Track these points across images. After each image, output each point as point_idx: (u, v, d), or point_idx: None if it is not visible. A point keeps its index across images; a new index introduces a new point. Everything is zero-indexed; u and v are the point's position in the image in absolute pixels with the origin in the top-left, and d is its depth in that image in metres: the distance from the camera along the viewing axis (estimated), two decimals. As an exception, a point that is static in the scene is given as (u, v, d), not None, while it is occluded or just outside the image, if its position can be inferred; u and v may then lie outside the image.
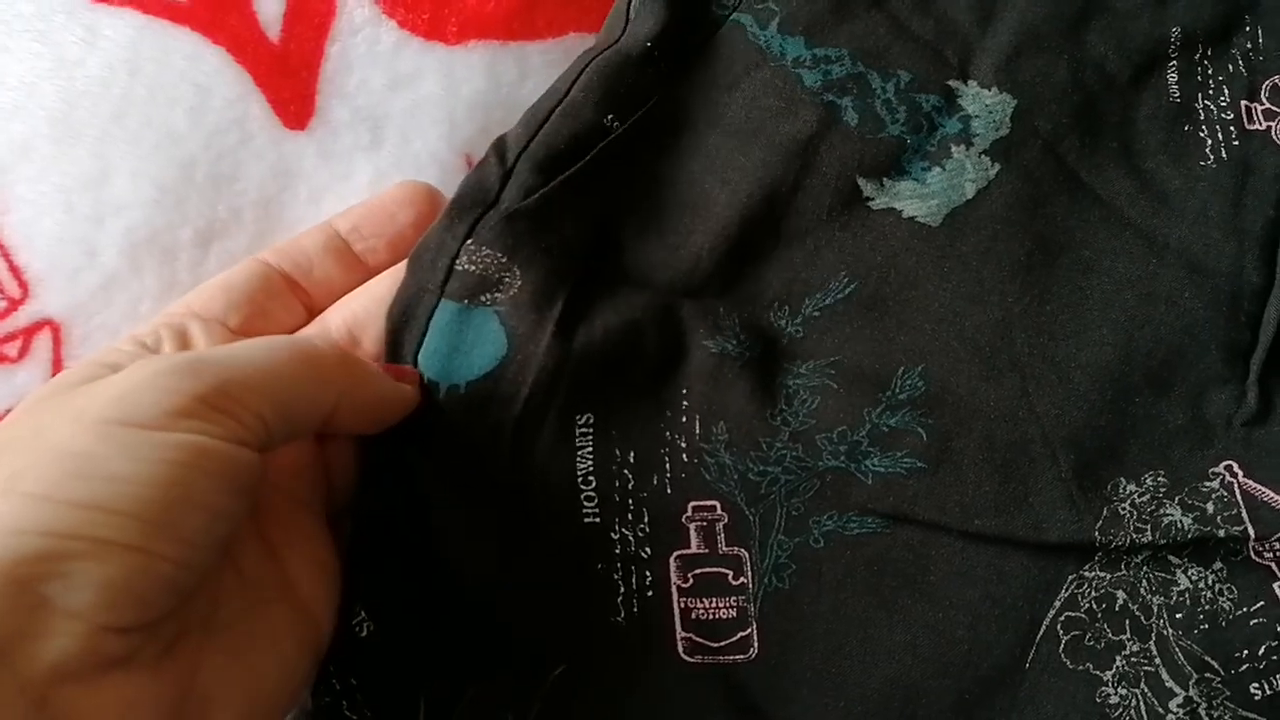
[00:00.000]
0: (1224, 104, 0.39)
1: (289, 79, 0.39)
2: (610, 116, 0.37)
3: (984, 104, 0.38)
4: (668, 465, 0.36)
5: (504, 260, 0.36)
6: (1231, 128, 0.39)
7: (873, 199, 0.37)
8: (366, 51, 0.39)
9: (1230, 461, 0.36)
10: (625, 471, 0.36)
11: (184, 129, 0.38)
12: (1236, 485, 0.35)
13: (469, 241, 0.36)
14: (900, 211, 0.37)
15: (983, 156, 0.38)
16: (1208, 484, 0.35)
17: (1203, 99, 0.39)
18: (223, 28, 0.39)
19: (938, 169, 0.38)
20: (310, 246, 0.37)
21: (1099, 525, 0.35)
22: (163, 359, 0.27)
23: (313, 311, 0.37)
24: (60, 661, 0.23)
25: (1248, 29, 0.41)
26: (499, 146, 0.37)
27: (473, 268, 0.35)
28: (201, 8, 0.39)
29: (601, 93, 0.37)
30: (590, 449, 0.36)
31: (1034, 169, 0.38)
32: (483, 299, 0.36)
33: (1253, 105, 0.39)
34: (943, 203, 0.37)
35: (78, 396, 0.26)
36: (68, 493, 0.24)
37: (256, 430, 0.27)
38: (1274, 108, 0.39)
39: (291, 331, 0.36)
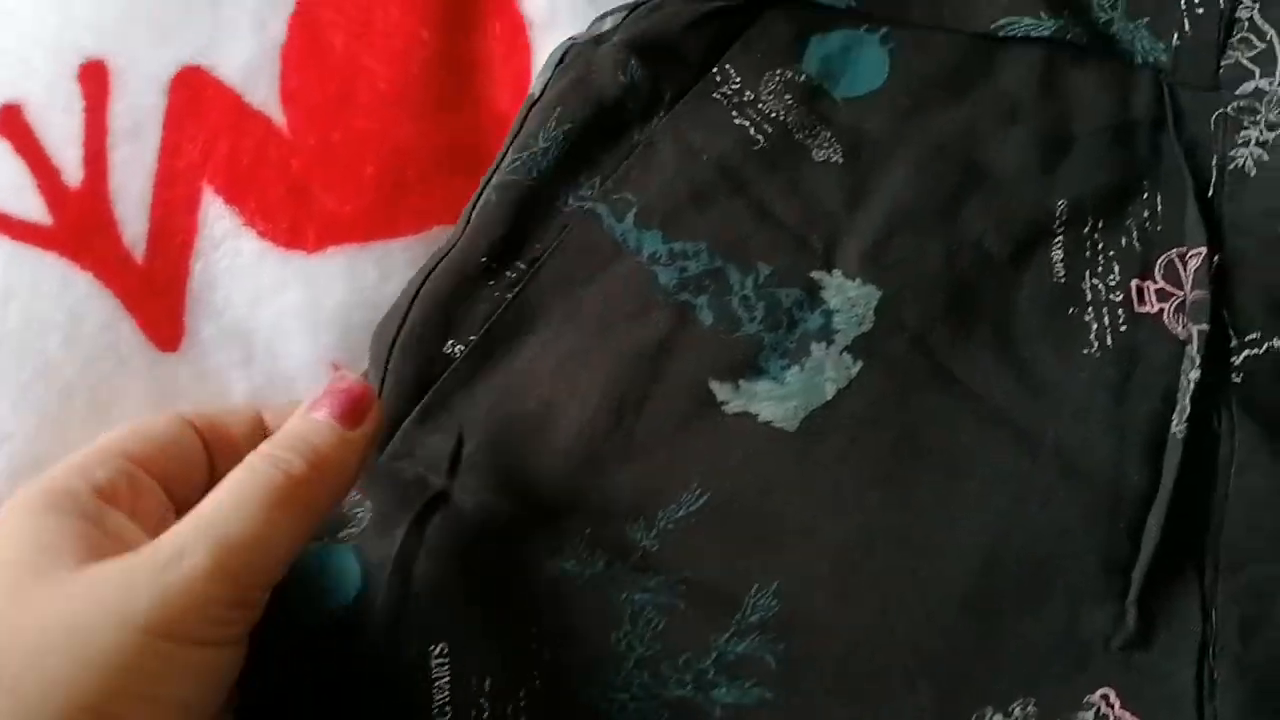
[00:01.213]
0: (1113, 283, 0.36)
1: (157, 300, 0.39)
2: (451, 343, 0.37)
3: (847, 297, 0.36)
4: (523, 694, 0.35)
5: (357, 496, 0.36)
6: (1120, 311, 0.36)
7: (727, 402, 0.36)
8: (229, 266, 0.39)
9: (1107, 689, 0.33)
10: (482, 700, 0.36)
11: (60, 357, 0.39)
12: (1112, 716, 0.33)
13: None
14: (756, 415, 0.36)
15: (844, 354, 0.36)
16: (1082, 714, 0.33)
17: (1090, 277, 0.36)
18: (89, 251, 0.39)
19: (796, 368, 0.36)
20: (233, 425, 0.36)
21: None
22: (186, 555, 0.26)
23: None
24: None
25: (1145, 196, 0.37)
26: None
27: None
28: (66, 232, 0.39)
29: (439, 318, 0.36)
30: (447, 678, 0.36)
31: (899, 364, 0.36)
32: (340, 535, 0.36)
33: (1145, 284, 0.36)
34: (800, 404, 0.35)
35: (105, 587, 0.26)
36: (99, 702, 0.25)
37: (262, 605, 0.28)
38: (1168, 287, 0.36)
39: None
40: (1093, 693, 0.33)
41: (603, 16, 0.40)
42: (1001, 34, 0.39)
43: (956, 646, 0.34)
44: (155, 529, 0.28)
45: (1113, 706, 0.33)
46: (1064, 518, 0.34)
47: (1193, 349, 0.35)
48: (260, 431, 0.36)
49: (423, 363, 0.36)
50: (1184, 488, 0.33)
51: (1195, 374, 0.34)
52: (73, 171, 0.40)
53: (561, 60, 0.39)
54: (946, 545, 0.34)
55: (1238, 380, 0.35)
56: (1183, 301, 0.36)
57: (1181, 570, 0.33)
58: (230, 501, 0.28)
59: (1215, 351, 0.35)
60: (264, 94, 0.41)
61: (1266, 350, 0.35)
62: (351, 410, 0.31)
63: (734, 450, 0.36)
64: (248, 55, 0.41)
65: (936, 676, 0.33)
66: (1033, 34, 0.39)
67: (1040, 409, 0.35)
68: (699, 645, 0.34)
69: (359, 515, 0.35)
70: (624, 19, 0.39)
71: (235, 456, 0.30)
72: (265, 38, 0.41)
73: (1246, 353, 0.35)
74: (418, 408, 0.36)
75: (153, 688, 0.26)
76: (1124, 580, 0.34)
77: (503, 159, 0.38)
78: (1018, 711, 0.33)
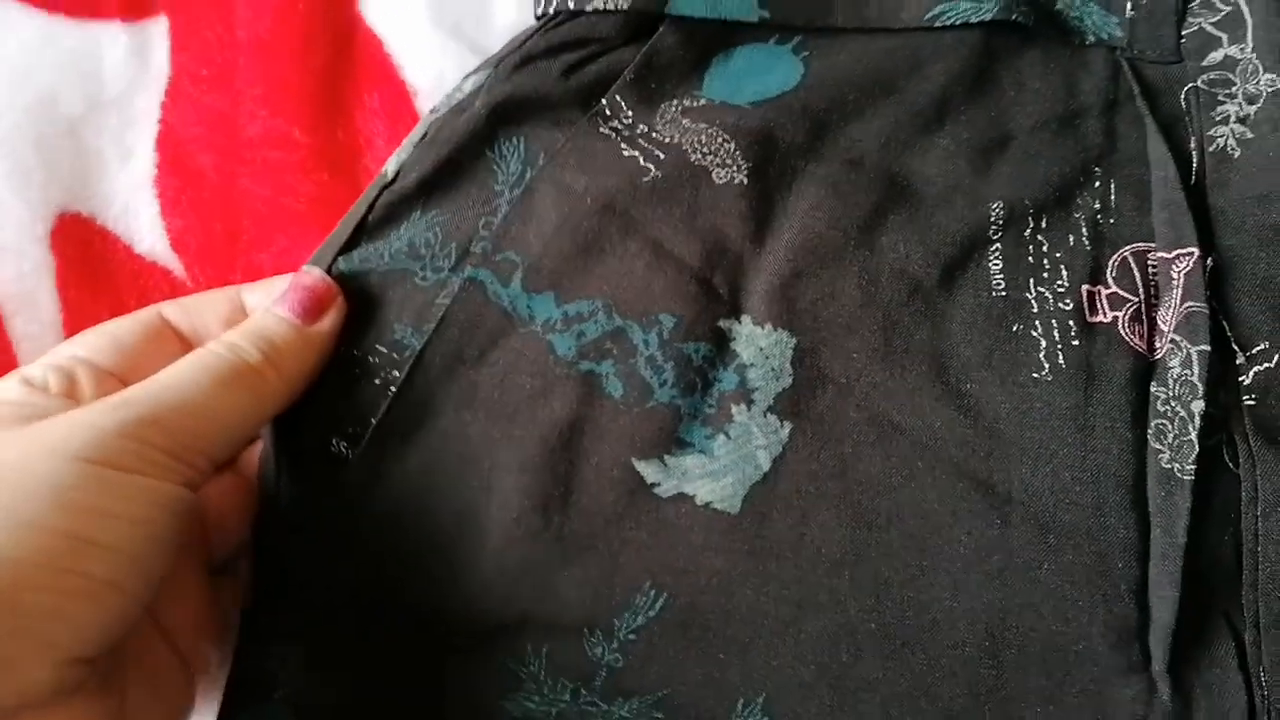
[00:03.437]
0: (1061, 289, 0.31)
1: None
2: (335, 439, 0.33)
3: (758, 348, 0.32)
4: None
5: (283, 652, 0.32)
6: (1070, 322, 0.31)
7: (658, 484, 0.31)
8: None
9: None
10: None
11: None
12: None
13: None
14: (693, 497, 0.31)
15: (769, 416, 0.32)
16: None
17: (1034, 286, 0.32)
18: None
19: (722, 436, 0.32)
20: (211, 314, 0.35)
21: None
22: (123, 405, 0.28)
23: None
24: (29, 690, 0.24)
25: (1096, 184, 0.33)
26: None
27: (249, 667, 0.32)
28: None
29: (318, 412, 0.33)
30: None
31: (830, 423, 0.31)
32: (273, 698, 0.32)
33: (1096, 290, 0.31)
34: (737, 480, 0.31)
35: (40, 433, 0.27)
36: (56, 522, 0.25)
37: (205, 471, 0.29)
38: (1122, 293, 0.31)
39: None
40: None
41: (465, 78, 0.35)
42: (938, 24, 0.35)
43: None
44: None
45: None
46: (1056, 586, 0.30)
47: (1193, 373, 0.30)
48: (240, 315, 0.36)
49: (303, 474, 0.32)
50: (1196, 531, 0.29)
51: (1199, 405, 0.29)
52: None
53: (423, 137, 0.35)
54: (937, 633, 0.30)
55: (1251, 402, 0.30)
56: (1138, 309, 0.31)
57: (1206, 630, 0.29)
58: (177, 371, 0.30)
59: (1215, 371, 0.30)
60: (150, 240, 0.38)
61: (1278, 362, 0.30)
62: (312, 306, 0.33)
63: (680, 542, 0.31)
64: (123, 197, 0.38)
65: None
66: (973, 18, 0.34)
67: (998, 454, 0.31)
68: None
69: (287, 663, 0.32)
70: (486, 80, 0.35)
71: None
72: (136, 170, 0.38)
73: (1256, 369, 0.30)
74: (315, 528, 0.32)
75: (99, 518, 0.26)
76: (1140, 650, 0.29)
77: (352, 243, 0.34)
78: None
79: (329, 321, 0.33)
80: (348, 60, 0.38)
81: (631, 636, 0.31)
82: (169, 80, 0.38)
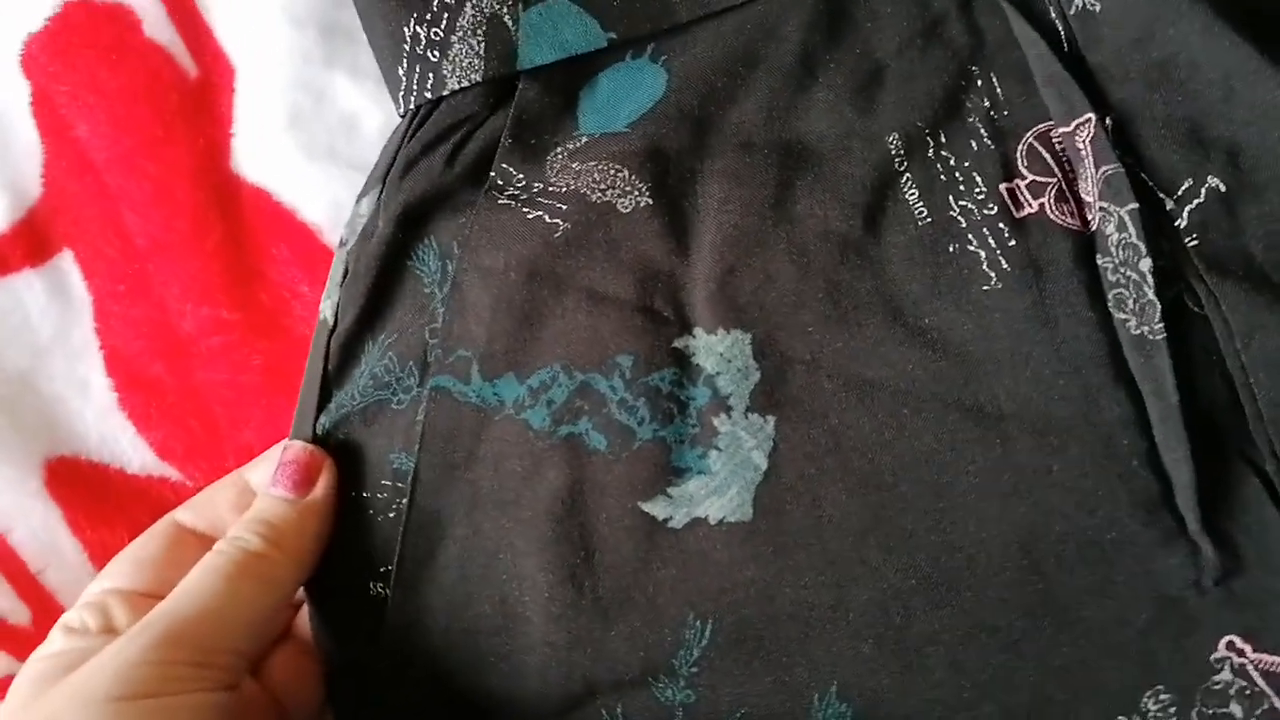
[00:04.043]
0: (981, 196, 0.31)
1: None
2: (372, 583, 0.33)
3: (718, 354, 0.32)
4: None
5: None
6: (1000, 224, 0.31)
7: (670, 517, 0.32)
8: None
9: (1228, 637, 0.29)
10: None
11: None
12: (1249, 666, 0.28)
13: None
14: (706, 519, 0.32)
15: (750, 415, 0.32)
16: (1218, 678, 0.29)
17: (956, 201, 0.31)
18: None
19: (714, 451, 0.32)
20: (222, 505, 0.37)
21: None
22: (143, 631, 0.30)
23: None
24: None
25: (979, 82, 0.32)
26: None
27: None
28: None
29: (354, 561, 0.33)
30: None
31: (810, 400, 0.31)
32: None
33: (1014, 185, 0.31)
34: (741, 487, 0.31)
35: (72, 685, 0.29)
36: None
37: (236, 668, 0.31)
38: (1039, 178, 0.31)
39: None
40: (1215, 648, 0.29)
41: (359, 200, 0.36)
42: None
43: (1048, 665, 0.30)
44: None
45: (1244, 652, 0.29)
46: (1072, 483, 0.30)
47: (1131, 234, 0.29)
48: (249, 496, 0.37)
49: (349, 606, 0.33)
50: (1184, 385, 0.29)
51: (1147, 263, 0.29)
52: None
53: (345, 274, 0.35)
54: (975, 567, 0.30)
55: (1194, 243, 0.30)
56: (1060, 189, 0.31)
57: (1228, 475, 0.29)
58: (190, 580, 0.31)
59: (1151, 225, 0.30)
60: (139, 459, 0.39)
61: (1207, 194, 0.30)
62: (303, 478, 0.34)
63: (708, 566, 0.32)
64: (96, 428, 0.39)
65: (1045, 709, 0.30)
66: None
67: (975, 375, 0.31)
68: None
69: None
70: (380, 196, 0.35)
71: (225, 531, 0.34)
72: (98, 400, 0.39)
73: (1188, 208, 0.30)
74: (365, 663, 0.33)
75: None
76: (1172, 516, 0.29)
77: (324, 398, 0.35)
78: (1153, 708, 0.29)
79: (322, 486, 0.34)
80: (243, 224, 0.39)
81: (694, 670, 0.32)
82: (93, 306, 0.39)
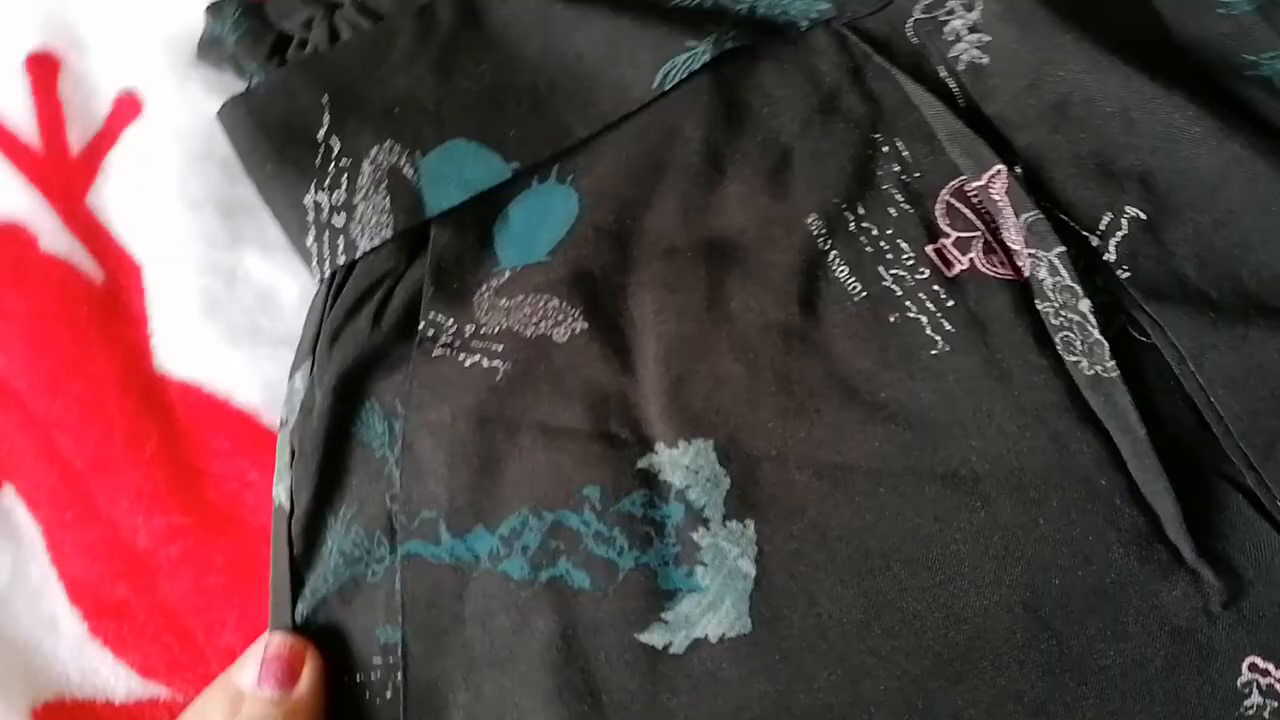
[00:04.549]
0: (910, 261, 0.31)
1: None
2: None
3: (684, 467, 0.31)
4: None
5: None
6: (935, 287, 0.31)
7: (670, 643, 0.31)
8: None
9: (1249, 659, 0.28)
10: None
11: None
12: (1277, 685, 0.28)
13: None
14: (706, 638, 0.31)
15: (729, 523, 0.31)
16: (1248, 702, 0.28)
17: (886, 271, 0.31)
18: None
19: (700, 567, 0.31)
20: (215, 715, 0.35)
21: None
22: None
23: None
24: None
25: (886, 149, 0.32)
26: None
27: None
28: None
29: None
30: None
31: (786, 497, 0.31)
32: None
33: (940, 245, 0.31)
34: (735, 598, 0.31)
35: None
36: None
37: None
38: (963, 234, 0.31)
39: None
40: (1239, 672, 0.28)
41: (291, 376, 0.35)
42: (668, 87, 0.34)
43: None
44: None
45: (1269, 671, 0.28)
46: (1061, 536, 0.29)
47: (1064, 277, 0.29)
48: (239, 703, 0.35)
49: None
50: (1148, 415, 0.29)
51: (1086, 303, 0.29)
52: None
53: (293, 455, 0.35)
54: (985, 636, 0.29)
55: (1126, 274, 0.30)
56: (986, 241, 0.31)
57: (1212, 497, 0.29)
58: None
59: (1082, 264, 0.30)
60: (123, 685, 0.38)
61: (1129, 224, 0.30)
62: (287, 673, 0.33)
63: (717, 687, 0.31)
64: (75, 662, 0.37)
65: None
66: (695, 66, 0.34)
67: (943, 441, 0.30)
68: None
69: None
70: (312, 369, 0.35)
71: None
72: (69, 633, 0.38)
73: (1113, 241, 0.30)
74: None
75: None
76: (1166, 549, 0.29)
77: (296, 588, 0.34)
78: None
79: (307, 679, 0.33)
80: (178, 424, 0.38)
81: None
82: (44, 538, 0.37)
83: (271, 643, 0.33)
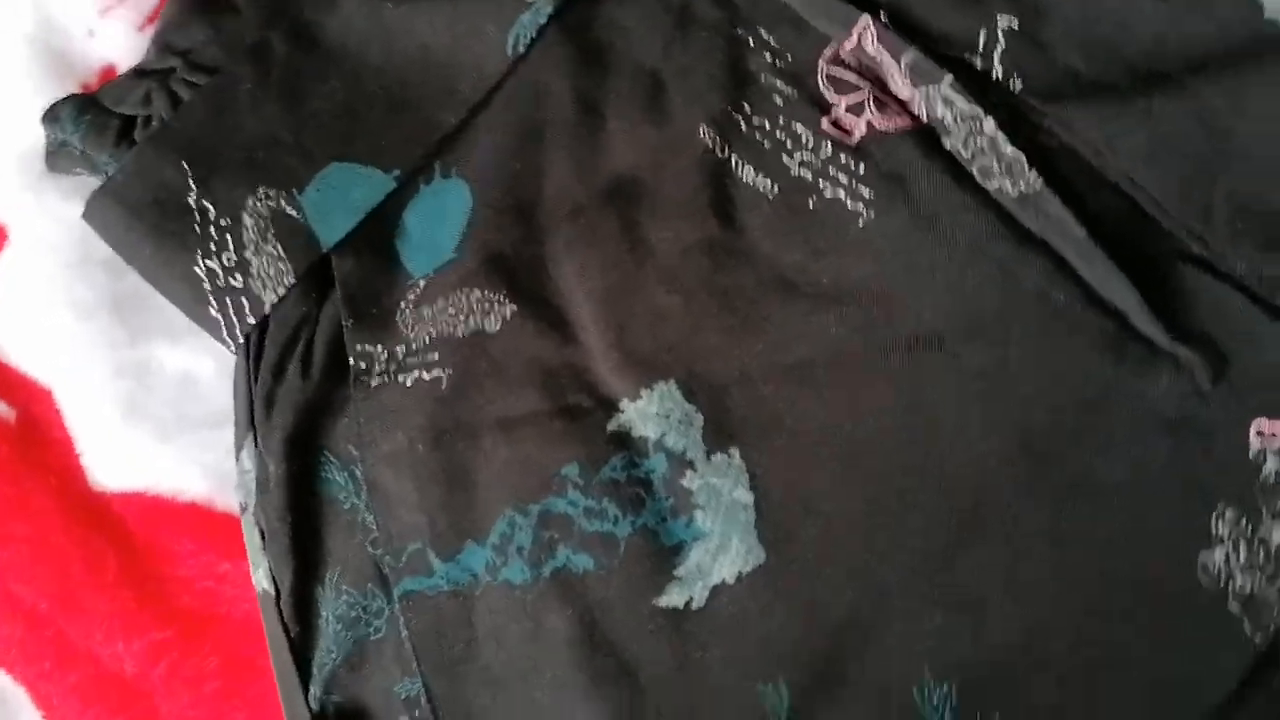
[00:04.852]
0: (809, 143, 0.30)
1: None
2: None
3: (652, 414, 0.30)
4: None
5: None
6: (842, 157, 0.30)
7: (690, 599, 0.30)
8: None
9: (1254, 424, 0.28)
10: None
11: None
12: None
13: None
14: (724, 581, 0.30)
15: (713, 457, 0.30)
16: (1266, 469, 0.28)
17: (790, 157, 0.31)
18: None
19: (699, 512, 0.30)
20: None
21: None
22: None
23: None
24: None
25: (752, 42, 0.32)
26: None
27: None
28: None
29: None
30: None
31: (760, 414, 0.30)
32: None
33: (834, 116, 0.30)
34: (742, 533, 0.30)
35: None
36: None
37: None
38: (850, 100, 0.30)
39: None
40: (1246, 439, 0.28)
41: (238, 456, 0.34)
42: (522, 49, 0.33)
43: (1102, 541, 0.28)
44: None
45: (1276, 430, 0.28)
46: (1033, 365, 0.29)
47: (959, 104, 0.29)
48: None
49: None
50: (1083, 217, 0.28)
51: (989, 123, 0.28)
52: None
53: (263, 538, 0.33)
54: (989, 487, 0.29)
55: (1018, 85, 0.30)
56: (874, 96, 0.30)
57: (1167, 278, 0.28)
58: None
59: (973, 87, 0.29)
60: None
61: (1005, 36, 0.30)
62: None
63: (749, 629, 0.30)
64: None
65: (1121, 585, 0.28)
66: (542, 21, 0.33)
67: (894, 307, 0.30)
68: None
69: None
70: (257, 445, 0.33)
71: None
72: None
73: (996, 55, 0.30)
74: None
75: None
76: (1139, 343, 0.28)
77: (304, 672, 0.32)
78: (1224, 531, 0.28)
79: None
80: (131, 537, 0.36)
81: (796, 717, 0.30)
82: (29, 695, 0.36)
83: None
